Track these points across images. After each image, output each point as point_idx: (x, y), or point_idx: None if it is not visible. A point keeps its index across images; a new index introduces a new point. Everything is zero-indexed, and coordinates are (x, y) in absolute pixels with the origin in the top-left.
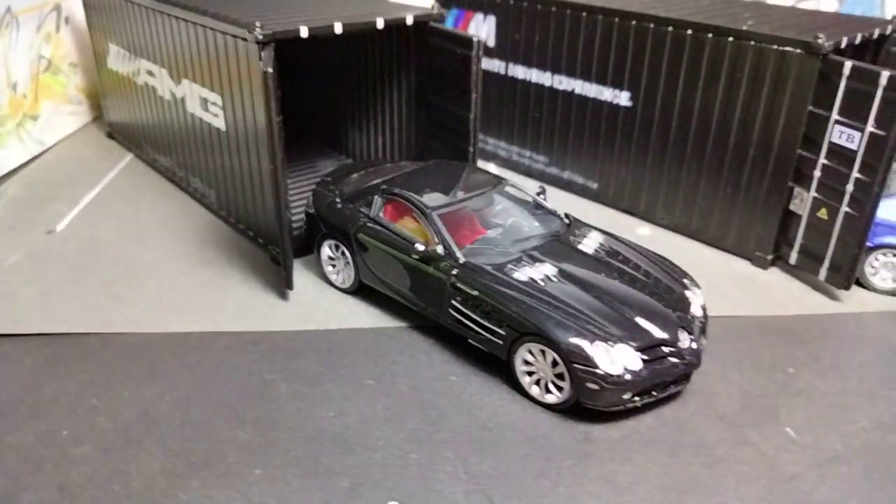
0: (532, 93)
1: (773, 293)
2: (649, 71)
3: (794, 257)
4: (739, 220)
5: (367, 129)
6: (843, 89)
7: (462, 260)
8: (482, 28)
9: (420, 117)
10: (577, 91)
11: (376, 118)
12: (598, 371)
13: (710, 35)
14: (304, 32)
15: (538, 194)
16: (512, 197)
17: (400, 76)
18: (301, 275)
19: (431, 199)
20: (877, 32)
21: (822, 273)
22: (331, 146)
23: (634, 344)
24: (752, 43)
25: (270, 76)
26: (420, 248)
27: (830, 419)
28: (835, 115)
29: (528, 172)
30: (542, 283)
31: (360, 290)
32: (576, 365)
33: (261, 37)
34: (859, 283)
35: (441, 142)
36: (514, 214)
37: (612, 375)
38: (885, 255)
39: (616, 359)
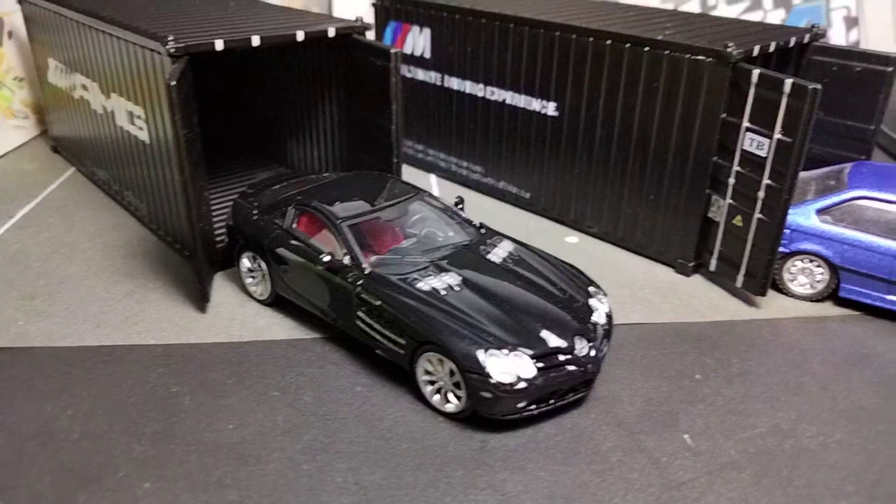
0: (467, 104)
1: (692, 300)
2: (573, 81)
3: (713, 264)
4: (662, 228)
5: (303, 141)
6: (751, 97)
7: (367, 270)
8: (419, 40)
9: (349, 129)
10: (508, 102)
11: (311, 130)
12: (491, 380)
13: (627, 45)
14: (219, 46)
15: (456, 205)
16: (429, 207)
17: (330, 88)
18: (223, 287)
19: (343, 209)
20: (793, 41)
21: (739, 280)
22: (272, 158)
23: (530, 352)
24: (667, 52)
25: (174, 89)
26: (326, 258)
27: (729, 425)
28: (745, 123)
29: (466, 183)
30: (444, 293)
31: (279, 302)
32: (470, 374)
33: (173, 50)
34: (779, 289)
35: (369, 153)
36: (430, 225)
37: (504, 384)
38: (802, 261)
39: (510, 367)
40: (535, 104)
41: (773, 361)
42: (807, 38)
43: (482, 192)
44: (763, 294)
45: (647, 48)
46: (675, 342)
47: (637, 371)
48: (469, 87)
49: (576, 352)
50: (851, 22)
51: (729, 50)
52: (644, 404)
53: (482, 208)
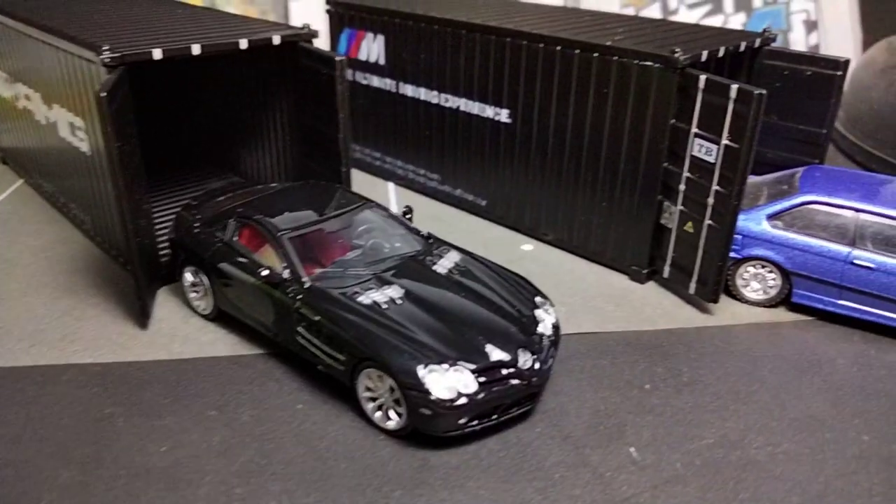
0: (422, 111)
1: (645, 308)
2: (525, 88)
3: (666, 271)
4: (615, 235)
5: (255, 150)
6: (699, 102)
7: (307, 284)
8: (373, 47)
9: (299, 138)
10: (462, 109)
11: (263, 139)
12: (430, 396)
13: (577, 51)
14: (157, 55)
15: (404, 214)
16: (376, 218)
17: (280, 96)
18: (166, 301)
19: (284, 221)
20: (744, 45)
21: (692, 287)
22: (226, 167)
23: (471, 366)
24: (616, 58)
25: (105, 100)
26: (264, 272)
27: (677, 437)
28: (694, 129)
29: (424, 190)
30: (385, 307)
31: (224, 317)
32: (409, 390)
33: (108, 60)
34: (733, 295)
35: (318, 162)
36: (376, 235)
37: (444, 400)
38: (754, 266)
39: (450, 383)
40: (489, 111)
41: (723, 370)
42: (758, 43)
43: (439, 200)
44: (715, 301)
45: (596, 54)
46: (626, 351)
47: (586, 382)
48: (424, 93)
49: (519, 365)
50: (811, 25)
51: (676, 55)
52: (591, 416)
53: (440, 216)
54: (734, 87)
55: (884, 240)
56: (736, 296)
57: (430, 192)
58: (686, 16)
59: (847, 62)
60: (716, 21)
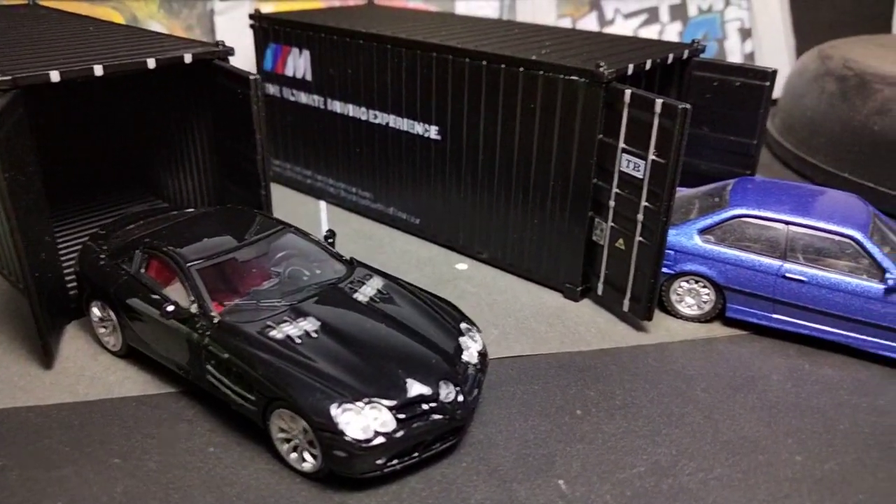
0: (351, 128)
1: (579, 327)
2: (453, 104)
3: (600, 288)
4: (549, 252)
5: (178, 173)
6: (625, 117)
7: (216, 319)
8: (299, 62)
9: (219, 160)
10: (392, 125)
11: (184, 161)
12: (345, 437)
13: (503, 66)
14: (54, 77)
15: (326, 238)
16: (295, 244)
17: (199, 117)
18: (77, 337)
19: (193, 251)
20: (671, 57)
21: (626, 304)
22: (149, 191)
23: (389, 403)
24: (542, 73)
25: None
26: (169, 308)
27: (608, 466)
28: (621, 144)
29: (356, 209)
30: (299, 342)
31: (136, 354)
32: (322, 431)
33: None
34: (668, 311)
35: (238, 185)
36: (296, 263)
37: (360, 441)
38: (687, 281)
39: (366, 422)
40: (418, 127)
41: (657, 391)
42: (686, 54)
43: (373, 219)
44: (649, 319)
45: (521, 69)
46: (558, 374)
47: (516, 410)
48: (352, 110)
49: (441, 398)
50: (746, 33)
51: (601, 69)
52: (520, 447)
53: (372, 236)
54: (659, 101)
55: (814, 252)
56: (671, 311)
57: (363, 210)
58: (622, 26)
59: (775, 73)
60: (652, 30)
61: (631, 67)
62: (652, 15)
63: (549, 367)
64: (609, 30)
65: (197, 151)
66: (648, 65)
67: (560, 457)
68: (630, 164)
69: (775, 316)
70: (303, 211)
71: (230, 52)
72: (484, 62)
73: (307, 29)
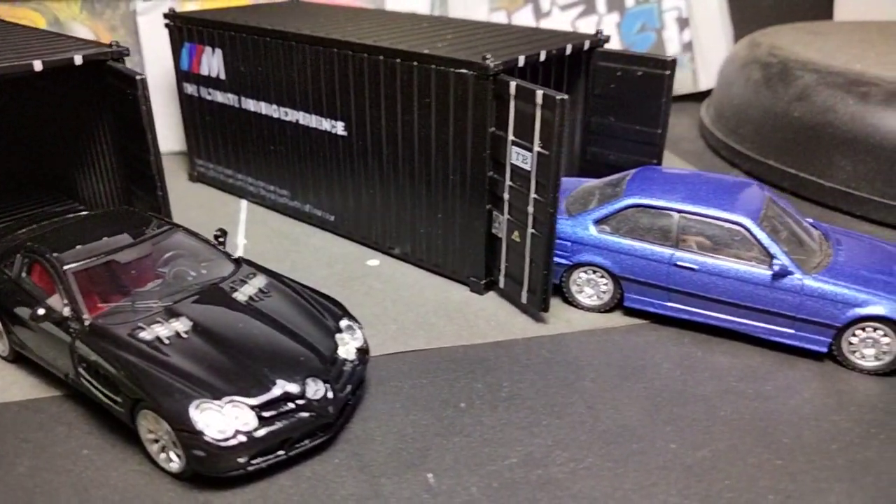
0: (265, 126)
1: (479, 321)
2: (356, 99)
3: (502, 281)
4: (454, 247)
5: (90, 176)
6: (512, 110)
7: (88, 322)
8: (212, 61)
9: (122, 162)
10: (301, 122)
11: (94, 163)
12: (204, 437)
13: (398, 60)
14: None
15: (216, 237)
16: (183, 244)
17: (102, 119)
18: None
19: (72, 253)
20: (569, 48)
21: (524, 296)
22: (65, 194)
23: (251, 402)
24: (434, 66)
25: None
26: (40, 311)
27: (480, 458)
28: (511, 136)
29: (276, 207)
30: (167, 342)
31: (26, 359)
32: (181, 431)
33: None
34: (570, 302)
35: (139, 187)
36: (182, 263)
37: (218, 440)
38: (585, 272)
39: (225, 421)
40: (326, 124)
41: (545, 382)
42: (587, 45)
43: (291, 217)
44: (545, 310)
45: (415, 63)
46: (449, 368)
47: (400, 404)
48: (264, 108)
49: (309, 396)
50: (684, 23)
51: (487, 62)
52: (396, 442)
53: (289, 234)
54: (539, 92)
55: (706, 239)
56: (573, 302)
57: (282, 208)
58: (559, 17)
59: (674, 61)
60: (589, 22)
61: (522, 59)
62: (589, 6)
63: (441, 361)
64: (545, 22)
65: (106, 154)
66: (543, 56)
67: (435, 450)
68: (519, 157)
69: (670, 304)
70: (223, 211)
71: (125, 52)
72: (381, 57)
73: (218, 27)
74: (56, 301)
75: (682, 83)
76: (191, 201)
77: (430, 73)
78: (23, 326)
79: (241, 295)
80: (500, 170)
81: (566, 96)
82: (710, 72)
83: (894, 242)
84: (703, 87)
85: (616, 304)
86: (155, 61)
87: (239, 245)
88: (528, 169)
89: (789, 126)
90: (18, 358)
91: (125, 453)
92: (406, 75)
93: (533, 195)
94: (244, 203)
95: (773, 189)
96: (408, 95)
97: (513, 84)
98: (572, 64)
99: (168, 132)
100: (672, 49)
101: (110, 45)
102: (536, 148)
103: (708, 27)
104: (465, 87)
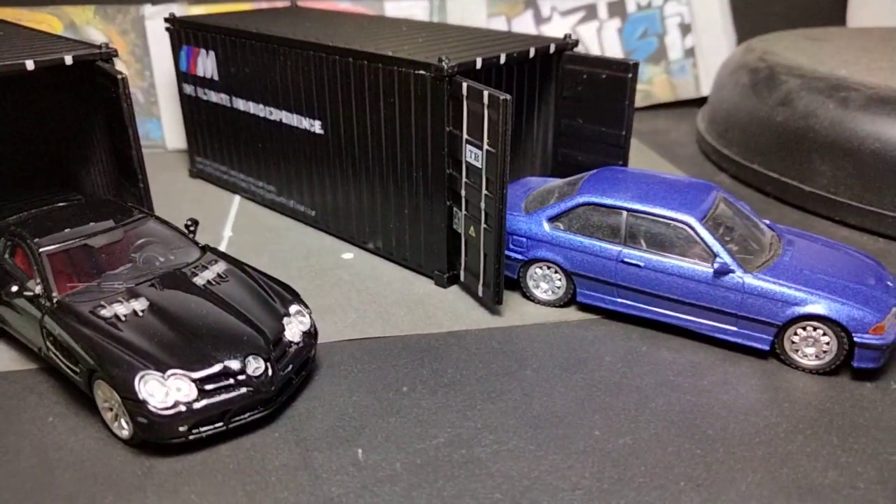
0: (253, 124)
1: (438, 312)
2: (330, 99)
3: (463, 275)
4: (420, 241)
5: (90, 170)
6: (466, 109)
7: (56, 299)
8: (207, 63)
9: (114, 156)
10: (284, 121)
11: (93, 158)
12: (147, 405)
13: (366, 62)
14: None
15: (187, 227)
16: (155, 232)
17: (97, 116)
18: None
19: (50, 237)
20: (533, 51)
21: (480, 289)
22: (69, 187)
23: (193, 375)
24: (396, 68)
25: None
26: (13, 288)
27: (410, 437)
28: (465, 135)
29: (264, 203)
30: (124, 319)
31: (5, 334)
32: (127, 399)
33: None
34: (527, 297)
35: (126, 179)
36: (152, 250)
37: (159, 409)
38: (541, 268)
39: (167, 391)
40: (305, 122)
41: (487, 370)
42: (553, 48)
43: (277, 211)
44: (499, 303)
45: (380, 64)
46: (399, 355)
47: (345, 386)
48: (253, 107)
49: (249, 372)
50: (686, 28)
51: (442, 63)
52: (336, 420)
53: (274, 228)
54: (486, 92)
55: (651, 237)
56: (530, 297)
57: (270, 204)
58: (559, 23)
59: (636, 64)
60: (590, 27)
61: (479, 61)
62: (590, 12)
63: (393, 348)
64: (546, 28)
65: (101, 149)
66: (503, 59)
67: (370, 429)
68: (472, 155)
69: (619, 300)
70: (216, 205)
71: (113, 53)
72: (351, 59)
73: (211, 31)
74: (33, 281)
75: (683, 89)
76: (187, 195)
77: (393, 73)
78: (4, 305)
79: (200, 279)
80: (458, 167)
81: (510, 97)
82: (711, 78)
83: (859, 249)
84: (704, 92)
85: (570, 300)
86: (162, 63)
87: (224, 237)
88: (480, 166)
89: (773, 130)
90: (2, 334)
91: (86, 421)
92: (373, 76)
93: (484, 192)
94: (237, 198)
95: (759, 193)
96: (375, 95)
97: (465, 85)
98: (543, 67)
99: (177, 129)
100: (674, 55)
101: (99, 47)
102: (486, 146)
103: (710, 33)
104: (424, 88)
